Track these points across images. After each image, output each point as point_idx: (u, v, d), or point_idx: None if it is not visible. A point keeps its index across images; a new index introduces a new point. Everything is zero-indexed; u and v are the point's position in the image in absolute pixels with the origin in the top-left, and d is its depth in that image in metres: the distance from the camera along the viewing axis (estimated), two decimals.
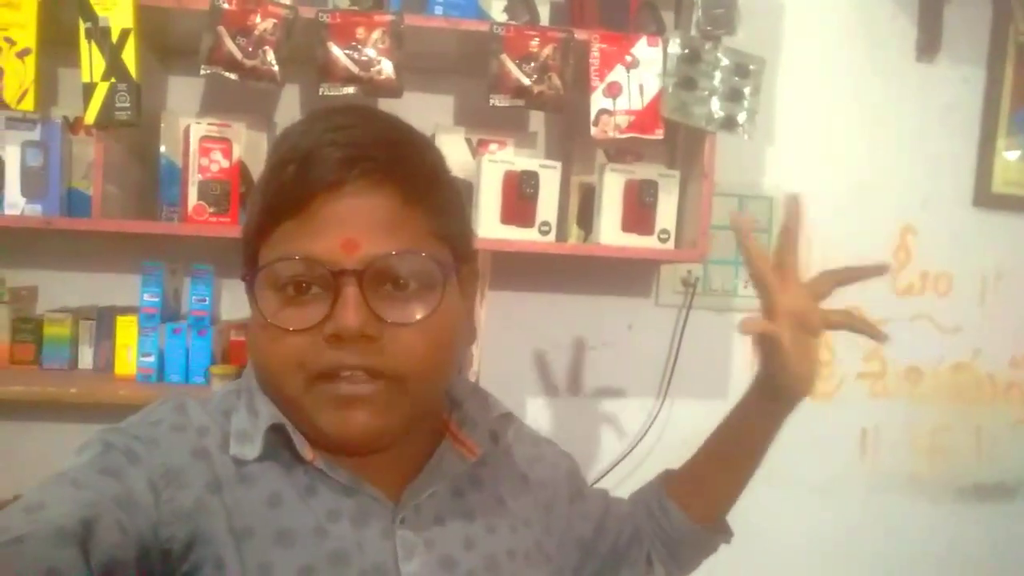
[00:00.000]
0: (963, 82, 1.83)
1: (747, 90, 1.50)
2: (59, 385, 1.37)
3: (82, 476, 0.60)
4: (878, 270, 0.83)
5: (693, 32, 1.47)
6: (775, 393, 0.83)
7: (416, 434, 0.72)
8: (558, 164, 1.51)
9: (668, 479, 0.92)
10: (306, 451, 0.67)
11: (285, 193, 0.64)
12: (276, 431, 0.68)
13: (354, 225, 0.63)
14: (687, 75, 1.46)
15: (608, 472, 1.74)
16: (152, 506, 0.61)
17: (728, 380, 1.82)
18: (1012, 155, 1.84)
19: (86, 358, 1.51)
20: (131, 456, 0.63)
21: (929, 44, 1.79)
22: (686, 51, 1.46)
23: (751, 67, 1.50)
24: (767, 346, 0.80)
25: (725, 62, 1.48)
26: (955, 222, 1.86)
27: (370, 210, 0.64)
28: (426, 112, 1.64)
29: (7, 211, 1.37)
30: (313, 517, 0.66)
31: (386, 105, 1.64)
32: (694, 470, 0.91)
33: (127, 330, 1.46)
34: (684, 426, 1.78)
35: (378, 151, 0.65)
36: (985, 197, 1.85)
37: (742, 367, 1.82)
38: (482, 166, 1.47)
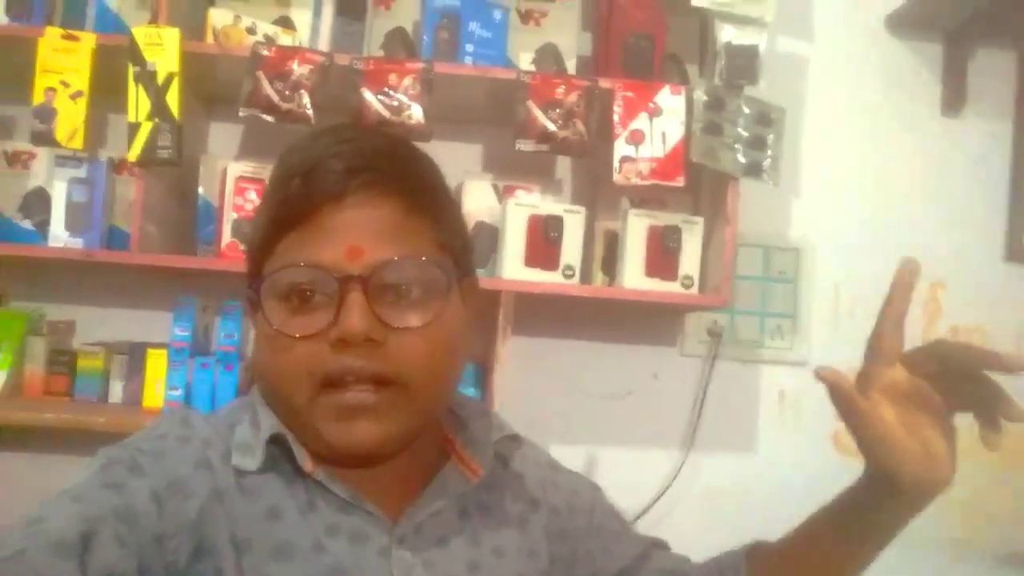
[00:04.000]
0: (990, 137, 1.84)
1: (770, 138, 1.52)
2: (88, 415, 1.40)
3: (83, 491, 0.61)
4: (1013, 365, 0.61)
5: (717, 81, 1.50)
6: (887, 483, 0.67)
7: (419, 451, 0.72)
8: (582, 209, 1.53)
9: (754, 553, 0.81)
10: (306, 463, 0.67)
11: (290, 205, 0.66)
12: (277, 443, 0.68)
13: (358, 233, 0.65)
14: (712, 121, 1.49)
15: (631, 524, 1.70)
16: (155, 517, 0.61)
17: (755, 432, 1.79)
18: None
19: (116, 392, 1.54)
20: (134, 469, 0.63)
21: (954, 99, 1.80)
22: (711, 98, 1.49)
23: (773, 115, 1.53)
24: (844, 409, 0.67)
25: (747, 110, 1.51)
26: (986, 277, 1.83)
27: (373, 219, 0.65)
28: (455, 160, 1.68)
29: (51, 243, 1.43)
30: (311, 532, 0.66)
31: None
32: (785, 551, 0.78)
33: (156, 363, 1.49)
34: (710, 479, 1.74)
35: (380, 162, 0.67)
36: (1017, 252, 1.83)
37: (769, 419, 1.79)
38: (507, 209, 1.50)
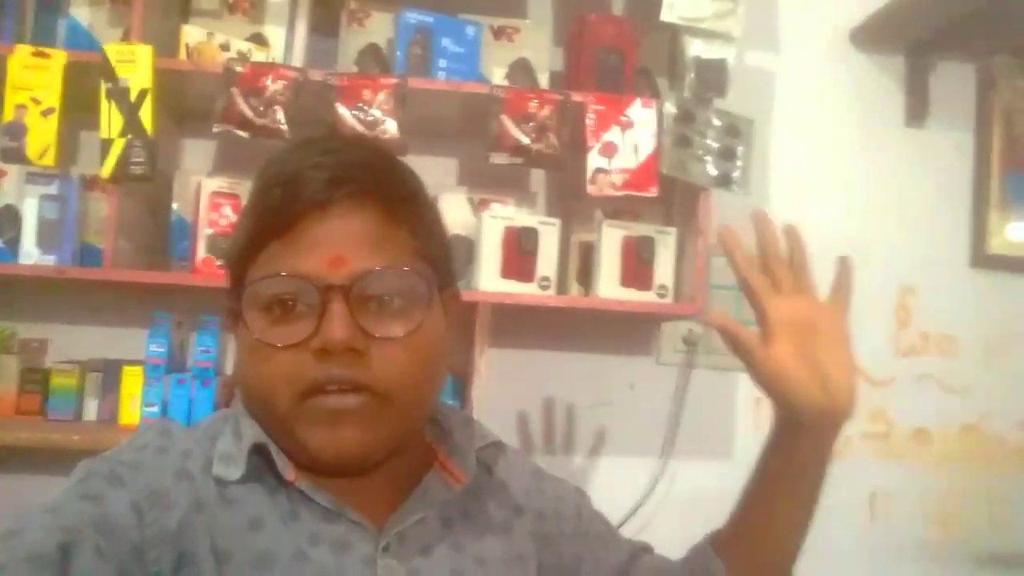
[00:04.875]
0: (953, 146, 1.88)
1: (739, 149, 1.55)
2: (63, 434, 1.39)
3: (61, 503, 0.60)
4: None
5: (686, 94, 1.53)
6: (792, 416, 0.74)
7: (403, 460, 0.72)
8: (557, 221, 1.55)
9: (715, 537, 0.84)
10: (289, 472, 0.67)
11: (272, 214, 0.66)
12: (259, 453, 0.68)
13: (340, 243, 0.65)
14: (682, 134, 1.51)
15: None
16: (135, 529, 0.61)
17: (732, 440, 1.80)
18: (1013, 229, 1.86)
19: (91, 410, 1.52)
20: (113, 480, 0.63)
21: (917, 110, 1.84)
22: (680, 111, 1.51)
23: (741, 127, 1.55)
24: (736, 348, 0.76)
25: (717, 123, 1.53)
26: (955, 283, 1.87)
27: (356, 228, 0.66)
28: (430, 174, 1.63)
29: (22, 260, 1.42)
30: (294, 541, 0.66)
31: None
32: (737, 523, 0.82)
33: (132, 380, 1.48)
34: (688, 487, 1.76)
35: (362, 172, 0.67)
36: (982, 258, 1.87)
37: (746, 427, 1.81)
38: (482, 222, 1.52)
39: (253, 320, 0.66)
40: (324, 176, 0.66)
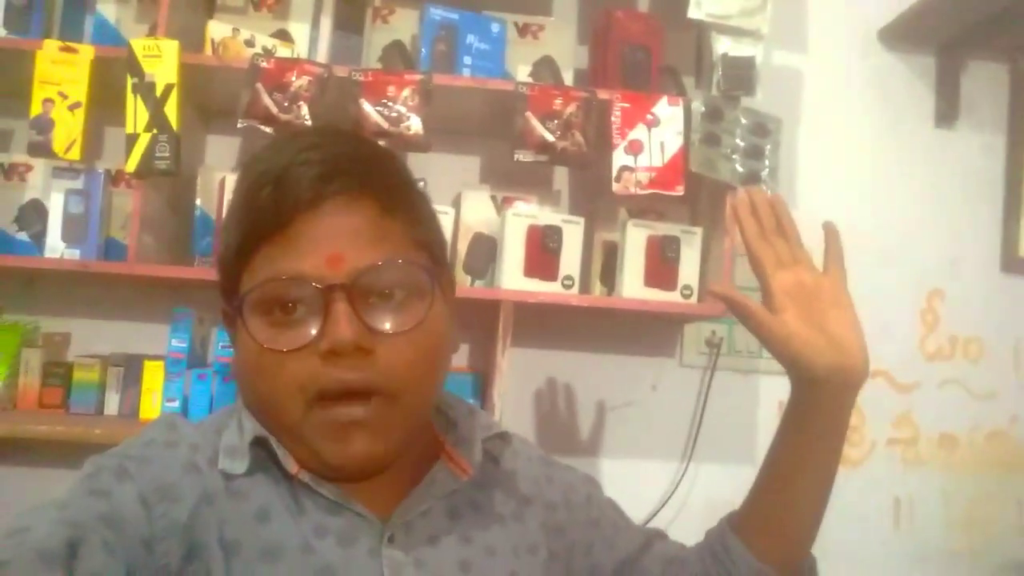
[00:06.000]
0: (984, 148, 1.85)
1: (767, 148, 1.52)
2: (84, 427, 1.39)
3: (69, 499, 0.60)
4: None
5: (714, 92, 1.51)
6: (808, 378, 0.75)
7: (409, 452, 0.72)
8: (581, 220, 1.53)
9: (733, 515, 0.84)
10: (291, 465, 0.67)
11: (263, 216, 0.64)
12: (261, 445, 0.68)
13: (337, 240, 0.64)
14: (711, 132, 1.50)
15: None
16: (144, 522, 0.61)
17: (755, 444, 1.78)
18: None
19: (112, 404, 1.53)
20: (120, 475, 0.63)
21: (948, 111, 1.81)
22: (708, 109, 1.50)
23: (769, 126, 1.53)
24: (743, 317, 0.78)
25: (744, 121, 1.51)
26: (984, 287, 1.84)
27: (351, 224, 0.65)
28: (453, 171, 1.69)
29: (47, 254, 1.42)
30: (300, 533, 0.66)
31: (415, 161, 1.70)
32: (756, 500, 0.82)
33: (154, 375, 1.48)
34: (709, 491, 1.74)
35: (352, 165, 0.66)
36: (1013, 262, 1.83)
37: (769, 431, 1.77)
38: (506, 220, 1.51)
39: (255, 327, 0.65)
40: (313, 172, 0.64)
